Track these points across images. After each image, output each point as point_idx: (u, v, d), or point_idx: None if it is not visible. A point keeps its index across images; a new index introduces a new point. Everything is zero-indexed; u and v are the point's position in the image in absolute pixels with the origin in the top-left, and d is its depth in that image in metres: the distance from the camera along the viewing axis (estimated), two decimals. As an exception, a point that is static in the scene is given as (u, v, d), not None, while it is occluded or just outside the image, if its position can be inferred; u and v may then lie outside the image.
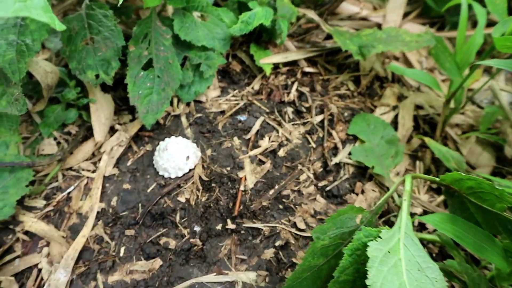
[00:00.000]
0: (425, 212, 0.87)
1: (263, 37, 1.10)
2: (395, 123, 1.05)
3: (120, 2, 0.75)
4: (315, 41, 1.19)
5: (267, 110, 1.02)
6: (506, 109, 0.99)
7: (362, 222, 0.72)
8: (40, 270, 0.80)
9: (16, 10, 0.48)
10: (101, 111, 0.95)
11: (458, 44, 0.93)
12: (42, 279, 0.79)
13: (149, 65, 0.91)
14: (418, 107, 1.08)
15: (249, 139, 0.96)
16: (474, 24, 1.10)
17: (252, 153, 0.94)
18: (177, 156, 0.87)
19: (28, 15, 0.49)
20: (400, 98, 1.10)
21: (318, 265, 0.71)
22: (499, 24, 0.75)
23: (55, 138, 0.96)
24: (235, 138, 0.96)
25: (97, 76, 0.88)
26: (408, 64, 1.19)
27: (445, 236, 0.70)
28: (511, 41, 0.66)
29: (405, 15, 1.29)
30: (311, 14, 1.12)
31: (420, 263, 0.60)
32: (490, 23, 1.10)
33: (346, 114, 1.05)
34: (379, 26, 1.24)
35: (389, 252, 0.61)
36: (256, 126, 0.98)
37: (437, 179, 0.68)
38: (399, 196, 0.90)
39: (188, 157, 0.88)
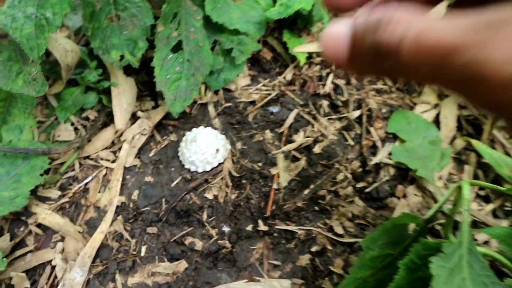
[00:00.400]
0: (474, 222, 0.80)
1: (297, 23, 1.01)
2: (436, 123, 0.97)
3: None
4: (351, 30, 1.10)
5: (301, 103, 0.94)
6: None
7: (415, 232, 0.65)
8: (53, 267, 0.73)
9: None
10: (123, 95, 0.88)
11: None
12: (56, 277, 0.72)
13: (177, 47, 0.83)
14: (460, 106, 1.00)
15: (282, 132, 0.89)
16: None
17: (285, 148, 0.86)
18: (206, 148, 0.79)
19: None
20: (441, 96, 1.02)
21: (363, 277, 0.64)
22: None
23: (72, 124, 0.88)
24: (267, 131, 0.89)
25: (121, 57, 0.80)
26: (449, 59, 1.10)
27: (510, 253, 0.63)
28: None
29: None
30: (350, 1, 1.03)
31: (488, 284, 0.53)
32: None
33: (384, 110, 0.97)
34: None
35: (452, 269, 0.54)
36: (290, 119, 0.90)
37: (503, 188, 0.61)
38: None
39: (217, 150, 0.81)
